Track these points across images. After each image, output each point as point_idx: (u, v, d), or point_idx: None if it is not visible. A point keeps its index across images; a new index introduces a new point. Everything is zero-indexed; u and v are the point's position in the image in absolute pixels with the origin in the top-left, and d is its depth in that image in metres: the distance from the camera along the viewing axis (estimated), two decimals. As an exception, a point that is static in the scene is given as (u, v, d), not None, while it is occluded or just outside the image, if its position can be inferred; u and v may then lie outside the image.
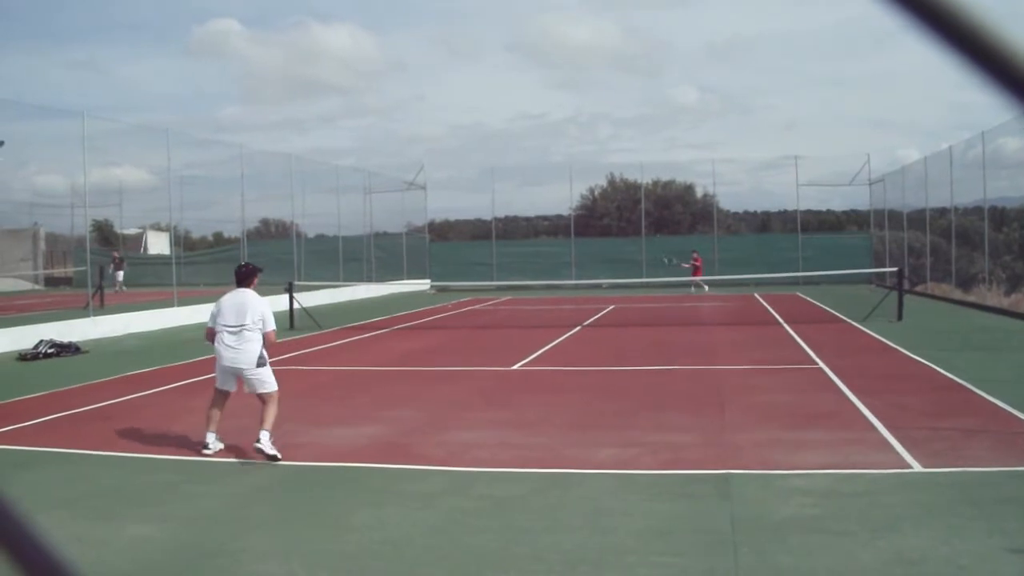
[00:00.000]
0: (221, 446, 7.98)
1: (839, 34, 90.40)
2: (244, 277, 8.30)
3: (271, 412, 7.77)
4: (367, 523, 5.91)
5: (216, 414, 8.03)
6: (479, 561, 5.13)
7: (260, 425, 7.64)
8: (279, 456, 7.53)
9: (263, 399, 7.87)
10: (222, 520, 6.04)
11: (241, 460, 7.68)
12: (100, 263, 29.03)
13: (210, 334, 8.11)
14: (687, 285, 32.52)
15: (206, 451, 7.89)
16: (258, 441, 7.52)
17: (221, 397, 8.09)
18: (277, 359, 14.95)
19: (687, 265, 32.72)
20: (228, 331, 7.92)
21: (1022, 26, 0.58)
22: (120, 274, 37.23)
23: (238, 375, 7.99)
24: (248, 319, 7.91)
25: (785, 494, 6.26)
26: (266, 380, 7.93)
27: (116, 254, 39.25)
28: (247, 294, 8.13)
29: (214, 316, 8.11)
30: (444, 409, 10.04)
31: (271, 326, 8.03)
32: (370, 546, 5.47)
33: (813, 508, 5.92)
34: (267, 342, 8.00)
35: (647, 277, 33.51)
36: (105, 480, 7.19)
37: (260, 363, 7.91)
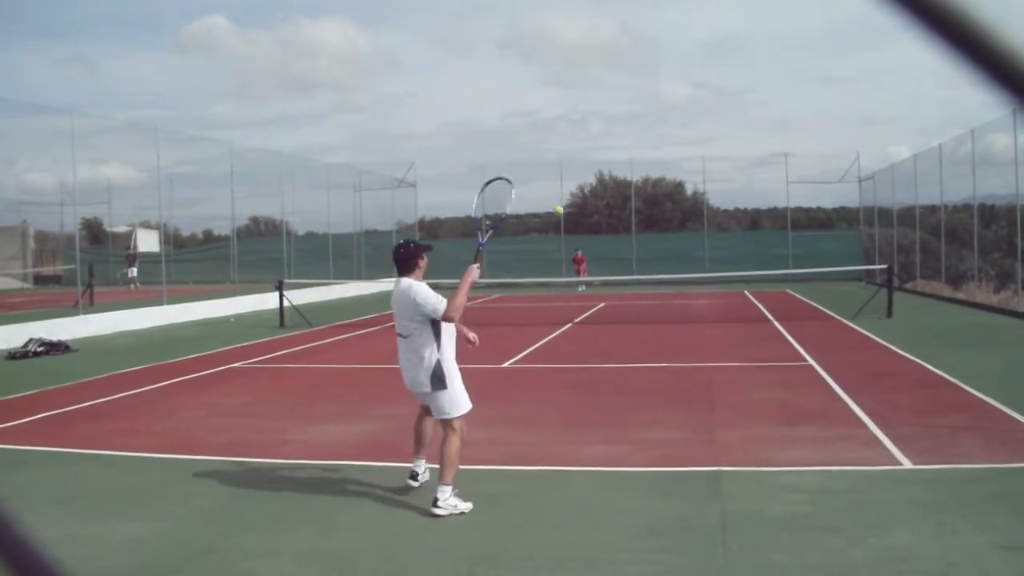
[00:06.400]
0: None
1: (830, 32, 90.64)
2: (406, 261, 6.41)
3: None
4: (358, 521, 5.90)
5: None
6: (470, 559, 5.12)
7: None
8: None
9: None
10: (213, 518, 6.02)
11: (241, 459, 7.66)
12: (89, 261, 28.94)
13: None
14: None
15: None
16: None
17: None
18: (269, 357, 14.95)
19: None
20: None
21: (1014, 21, 0.58)
22: (133, 270, 37.50)
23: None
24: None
25: (775, 491, 6.28)
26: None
27: (130, 251, 39.35)
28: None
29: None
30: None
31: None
32: (361, 544, 5.46)
33: (803, 505, 5.94)
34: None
35: (638, 275, 33.54)
36: (95, 479, 7.17)
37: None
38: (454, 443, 6.08)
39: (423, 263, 6.40)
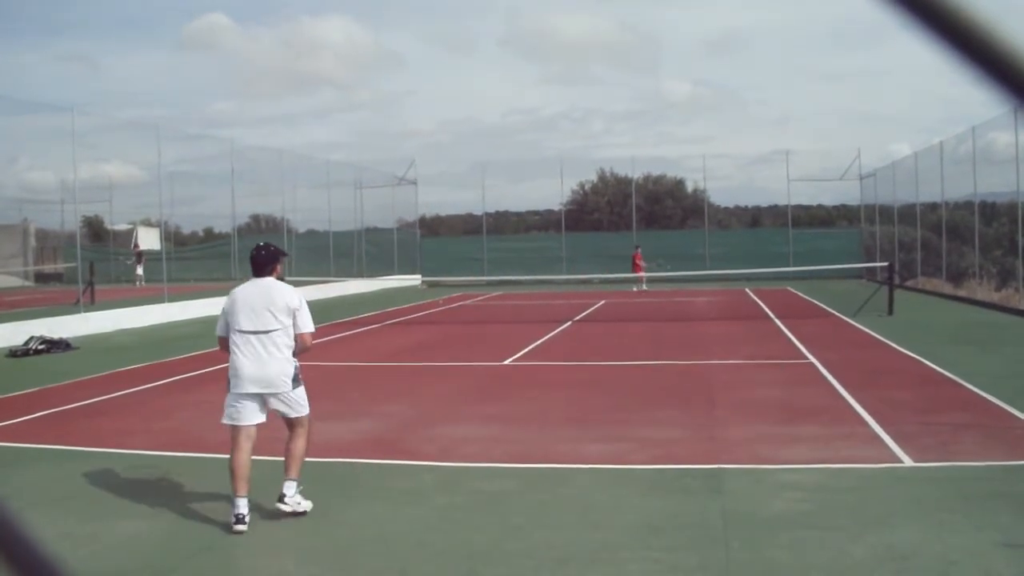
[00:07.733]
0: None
1: (831, 30, 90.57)
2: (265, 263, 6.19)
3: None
4: (358, 519, 5.90)
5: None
6: (470, 557, 5.12)
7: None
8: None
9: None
10: (213, 516, 6.01)
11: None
12: (90, 259, 28.96)
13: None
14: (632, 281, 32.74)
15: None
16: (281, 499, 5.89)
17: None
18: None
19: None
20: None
21: (1014, 21, 0.57)
22: (140, 268, 37.80)
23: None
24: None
25: (776, 489, 6.27)
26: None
27: (137, 248, 39.48)
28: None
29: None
30: (435, 405, 10.03)
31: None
32: (361, 542, 5.46)
33: (804, 503, 5.93)
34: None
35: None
36: (95, 477, 7.16)
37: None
38: (305, 441, 6.07)
39: (281, 268, 6.26)
